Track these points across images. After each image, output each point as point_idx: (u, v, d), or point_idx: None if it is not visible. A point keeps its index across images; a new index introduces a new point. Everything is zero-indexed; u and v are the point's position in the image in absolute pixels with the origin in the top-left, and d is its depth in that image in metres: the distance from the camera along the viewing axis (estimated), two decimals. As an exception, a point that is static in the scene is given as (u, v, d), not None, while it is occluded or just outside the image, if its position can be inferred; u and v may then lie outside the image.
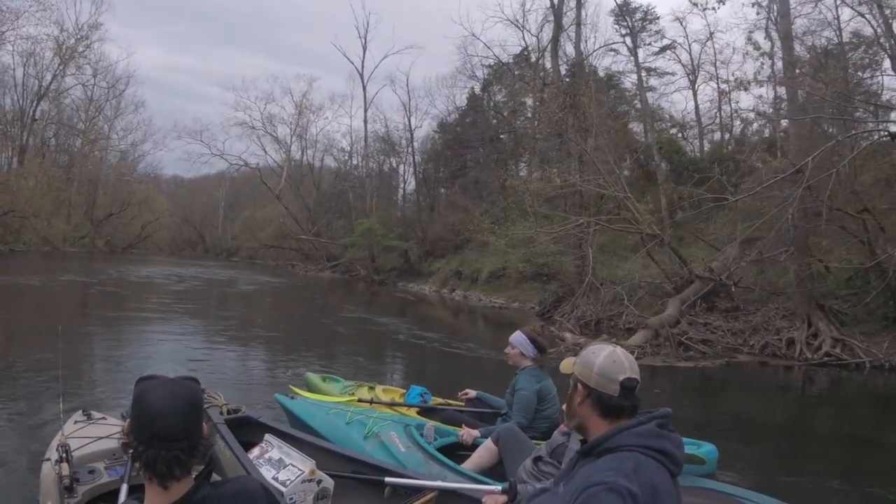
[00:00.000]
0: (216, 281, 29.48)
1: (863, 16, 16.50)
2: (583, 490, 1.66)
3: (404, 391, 5.81)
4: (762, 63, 24.06)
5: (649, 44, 33.10)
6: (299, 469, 3.14)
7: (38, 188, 41.31)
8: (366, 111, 42.90)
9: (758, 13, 23.99)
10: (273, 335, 13.61)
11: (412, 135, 40.73)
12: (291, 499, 3.03)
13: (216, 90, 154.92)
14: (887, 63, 17.24)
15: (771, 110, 25.96)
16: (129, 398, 1.63)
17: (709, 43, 30.56)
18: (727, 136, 30.58)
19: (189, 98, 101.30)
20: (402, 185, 47.09)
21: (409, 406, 5.39)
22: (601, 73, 31.66)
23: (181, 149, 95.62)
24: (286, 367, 9.57)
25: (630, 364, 1.86)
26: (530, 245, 18.14)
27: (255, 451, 3.42)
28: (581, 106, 19.42)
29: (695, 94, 31.27)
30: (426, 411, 5.33)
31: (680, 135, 31.10)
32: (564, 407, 2.03)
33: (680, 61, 31.94)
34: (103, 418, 3.88)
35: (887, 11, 15.20)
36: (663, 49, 32.83)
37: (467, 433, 4.42)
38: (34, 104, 44.56)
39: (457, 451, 4.30)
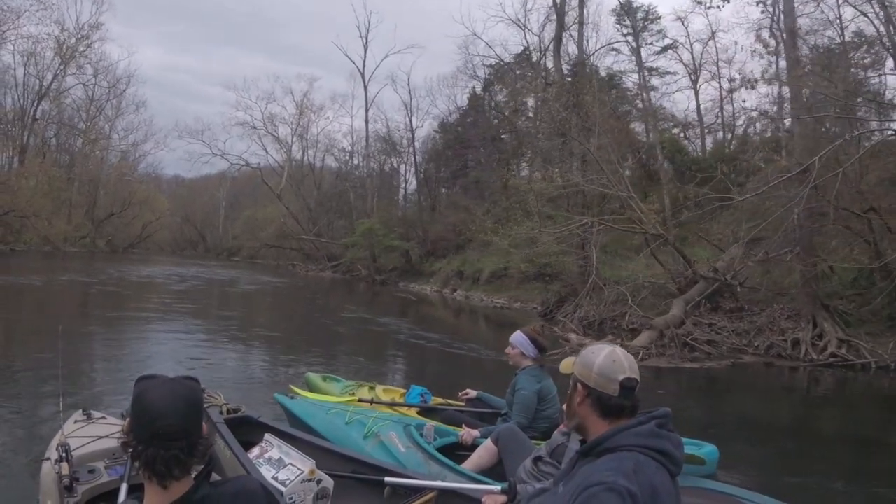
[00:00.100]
0: (217, 281, 29.49)
1: (865, 15, 16.43)
2: (582, 490, 1.66)
3: (405, 391, 5.81)
4: (770, 61, 23.98)
5: (650, 43, 33.10)
6: (299, 469, 3.13)
7: (39, 188, 41.31)
8: (367, 111, 42.96)
9: (763, 12, 23.93)
10: (274, 335, 13.61)
11: (413, 134, 40.81)
12: (291, 498, 3.02)
13: (217, 90, 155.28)
14: (891, 63, 17.22)
15: (773, 110, 25.91)
16: (129, 398, 1.63)
17: (710, 42, 30.53)
18: (730, 135, 30.53)
19: (189, 98, 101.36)
20: (403, 185, 47.21)
21: (410, 406, 5.39)
22: (602, 73, 31.64)
23: (182, 148, 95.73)
24: (287, 366, 9.58)
25: (630, 364, 1.86)
26: (533, 245, 18.11)
27: (255, 451, 3.41)
28: (584, 105, 19.39)
29: (696, 94, 31.28)
30: (426, 411, 5.33)
31: (682, 134, 31.08)
32: (564, 407, 2.02)
33: (681, 61, 31.92)
34: (103, 418, 3.87)
35: (891, 11, 15.13)
36: (665, 49, 32.81)
37: (467, 433, 4.41)
38: (35, 104, 44.59)
39: (457, 451, 4.30)
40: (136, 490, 1.80)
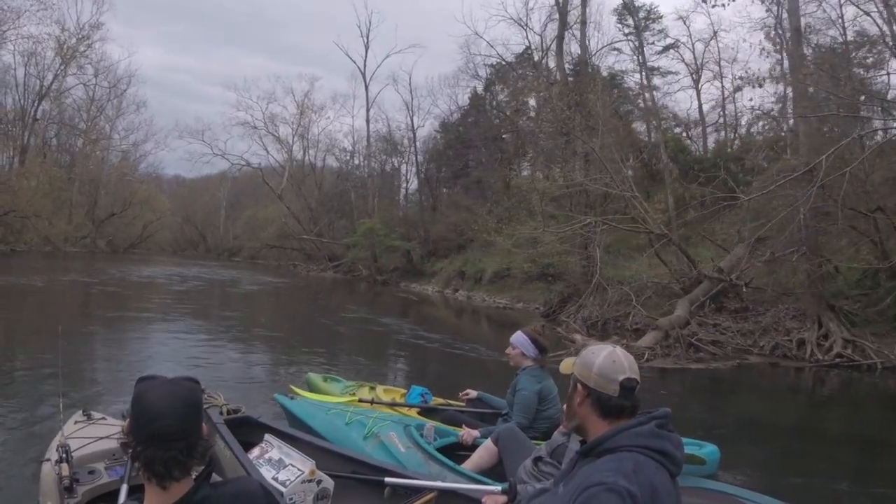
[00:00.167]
0: (218, 281, 29.49)
1: (868, 14, 16.42)
2: (582, 490, 1.66)
3: (405, 391, 5.81)
4: (777, 59, 23.91)
5: (652, 43, 33.09)
6: (299, 469, 3.14)
7: (40, 188, 41.27)
8: (368, 110, 42.95)
9: (767, 11, 23.89)
10: (274, 335, 13.61)
11: (414, 134, 40.74)
12: (291, 499, 3.03)
13: (217, 90, 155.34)
14: (894, 62, 17.21)
15: (774, 109, 25.89)
16: (130, 398, 1.63)
17: (712, 42, 30.50)
18: (732, 134, 30.47)
19: (189, 98, 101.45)
20: (404, 185, 47.22)
21: (410, 406, 5.39)
22: (604, 73, 31.61)
23: (183, 148, 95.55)
24: (287, 367, 9.57)
25: (630, 364, 1.86)
26: (536, 245, 18.08)
27: (255, 452, 3.42)
28: (588, 104, 19.37)
29: (698, 94, 31.26)
30: (427, 411, 5.33)
31: (685, 134, 31.05)
32: (564, 407, 2.02)
33: (683, 60, 31.92)
34: (103, 418, 3.87)
35: (895, 9, 15.09)
36: (666, 48, 32.81)
37: (467, 433, 4.41)
38: (35, 104, 44.57)
39: (457, 452, 4.30)
40: (136, 491, 1.81)
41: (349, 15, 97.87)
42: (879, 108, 15.07)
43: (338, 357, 11.04)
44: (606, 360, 1.85)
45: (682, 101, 46.33)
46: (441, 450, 4.17)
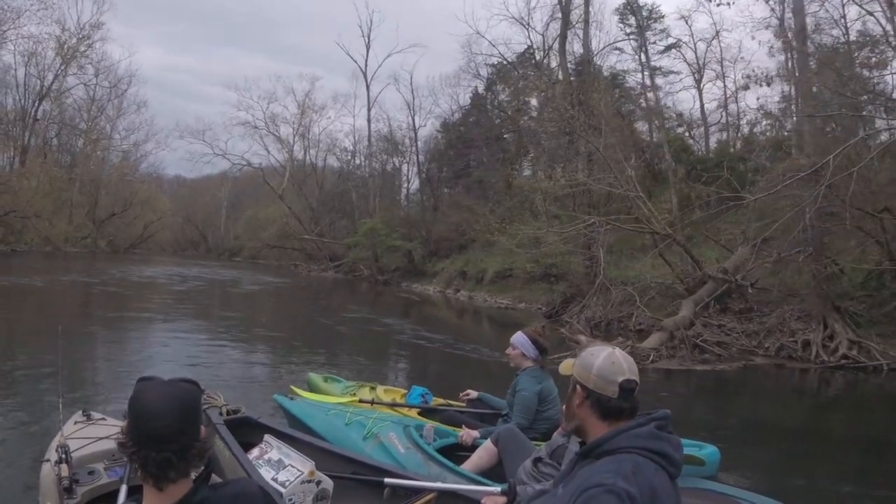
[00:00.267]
0: (219, 281, 29.51)
1: (871, 14, 16.37)
2: (581, 492, 1.66)
3: (406, 392, 5.81)
4: (786, 57, 23.86)
5: (654, 42, 33.06)
6: (299, 470, 3.14)
7: (40, 188, 41.25)
8: (369, 110, 42.98)
9: (772, 10, 23.83)
10: (275, 335, 13.61)
11: (416, 134, 40.75)
12: (291, 499, 3.03)
13: (217, 90, 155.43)
14: (896, 63, 17.12)
15: (777, 109, 25.84)
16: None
17: (714, 41, 30.45)
18: (737, 133, 30.41)
19: (189, 98, 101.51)
20: (405, 185, 47.10)
21: (410, 407, 5.38)
22: (606, 73, 31.58)
23: (183, 148, 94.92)
24: (288, 367, 9.56)
25: (629, 366, 1.86)
26: (538, 245, 18.05)
27: (255, 452, 3.42)
28: (592, 103, 19.34)
29: (700, 93, 31.21)
30: (427, 412, 5.33)
31: (687, 134, 31.01)
32: (564, 408, 2.02)
33: (685, 60, 31.85)
34: (103, 419, 3.87)
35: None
36: (668, 48, 32.75)
37: (467, 434, 4.41)
38: (36, 104, 44.57)
39: (456, 452, 4.29)
40: (135, 492, 1.80)
41: (349, 15, 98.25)
42: (883, 109, 15.03)
43: (339, 357, 11.03)
44: (605, 361, 1.85)
45: (684, 100, 46.34)
46: (441, 450, 4.17)
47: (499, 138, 37.04)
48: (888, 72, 16.89)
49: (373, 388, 5.93)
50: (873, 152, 11.88)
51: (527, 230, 17.97)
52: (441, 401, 5.63)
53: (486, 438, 4.16)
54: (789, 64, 22.54)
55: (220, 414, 3.98)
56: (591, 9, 27.59)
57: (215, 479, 2.07)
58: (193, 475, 1.60)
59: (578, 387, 1.89)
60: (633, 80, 33.84)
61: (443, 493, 3.29)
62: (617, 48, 32.68)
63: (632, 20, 32.42)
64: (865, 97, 14.30)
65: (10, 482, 4.22)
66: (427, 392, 5.61)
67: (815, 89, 14.43)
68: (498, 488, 3.21)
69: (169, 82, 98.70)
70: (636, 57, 32.82)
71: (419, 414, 5.24)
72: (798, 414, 9.12)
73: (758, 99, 26.48)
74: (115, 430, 3.53)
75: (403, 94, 42.11)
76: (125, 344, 10.61)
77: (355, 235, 37.52)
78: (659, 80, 33.09)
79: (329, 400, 5.30)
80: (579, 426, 1.91)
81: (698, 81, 31.15)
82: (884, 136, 13.31)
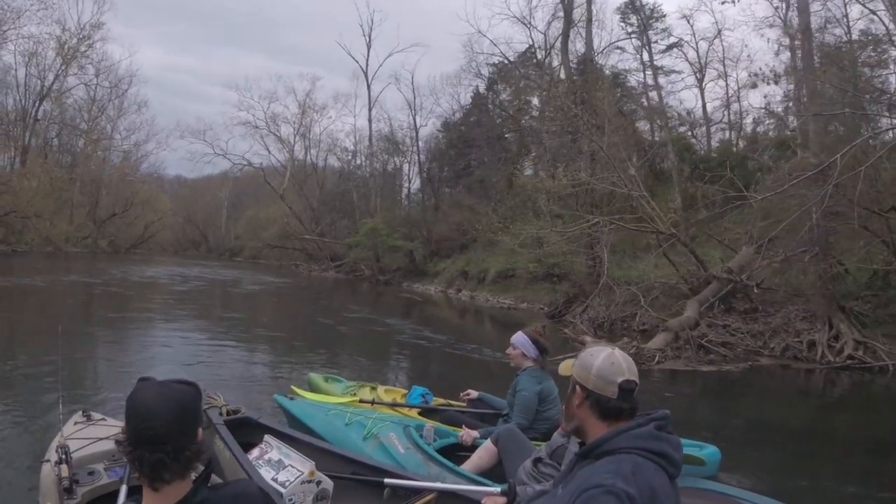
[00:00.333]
0: (219, 281, 29.51)
1: (874, 13, 16.35)
2: (581, 492, 1.66)
3: (406, 392, 5.81)
4: (792, 55, 23.82)
5: (656, 41, 33.00)
6: (299, 470, 3.14)
7: (41, 188, 41.22)
8: (370, 110, 42.95)
9: (777, 8, 23.82)
10: (276, 335, 13.60)
11: (417, 134, 40.71)
12: (291, 500, 3.03)
13: (217, 90, 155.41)
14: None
15: (781, 108, 25.81)
16: (130, 399, 1.62)
17: (717, 40, 30.40)
18: (739, 132, 30.37)
19: (190, 98, 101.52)
20: (406, 185, 47.06)
21: (411, 407, 5.38)
22: (607, 72, 31.54)
23: (184, 148, 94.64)
24: (289, 367, 9.56)
25: (629, 366, 1.86)
26: (540, 245, 18.01)
27: (255, 452, 3.42)
28: (595, 102, 19.30)
29: (702, 92, 31.15)
30: (427, 412, 5.32)
31: (690, 133, 30.97)
32: (563, 409, 2.02)
33: (687, 59, 31.79)
34: (103, 419, 3.88)
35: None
36: (670, 47, 32.68)
37: (467, 434, 4.41)
38: (36, 104, 44.53)
39: (457, 452, 4.29)
40: (135, 492, 1.80)
41: (349, 14, 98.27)
42: (886, 107, 15.00)
43: (339, 357, 11.02)
44: (605, 361, 1.85)
45: (686, 99, 46.26)
46: (441, 451, 4.17)
47: (500, 138, 36.97)
48: (891, 70, 16.89)
49: (373, 389, 5.93)
50: (880, 151, 11.81)
51: (529, 230, 17.93)
52: (441, 401, 5.63)
53: (486, 438, 4.16)
54: (794, 63, 22.53)
55: (221, 414, 3.98)
56: (594, 7, 27.62)
57: (215, 479, 2.07)
58: (193, 476, 1.60)
59: (578, 387, 1.89)
60: (635, 79, 33.86)
61: (443, 494, 3.29)
62: (618, 47, 32.72)
63: (633, 19, 32.40)
64: (869, 96, 14.28)
65: (10, 482, 4.22)
66: (427, 392, 5.60)
67: (820, 87, 14.35)
68: (498, 488, 3.20)
69: (169, 82, 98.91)
70: (637, 56, 32.82)
71: (419, 414, 5.24)
72: (803, 414, 9.08)
73: (765, 97, 26.44)
74: (115, 430, 3.53)
75: (404, 94, 42.24)
76: (126, 344, 10.61)
77: (356, 235, 37.48)
78: (661, 80, 33.11)
79: (329, 400, 5.30)
80: (579, 426, 1.91)
81: (700, 81, 31.14)
82: (890, 135, 13.26)
